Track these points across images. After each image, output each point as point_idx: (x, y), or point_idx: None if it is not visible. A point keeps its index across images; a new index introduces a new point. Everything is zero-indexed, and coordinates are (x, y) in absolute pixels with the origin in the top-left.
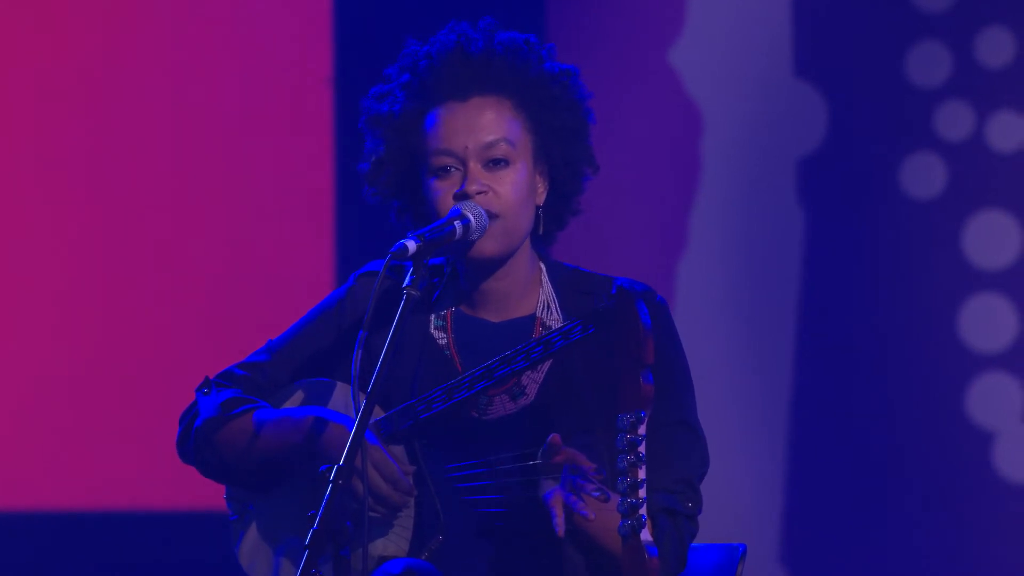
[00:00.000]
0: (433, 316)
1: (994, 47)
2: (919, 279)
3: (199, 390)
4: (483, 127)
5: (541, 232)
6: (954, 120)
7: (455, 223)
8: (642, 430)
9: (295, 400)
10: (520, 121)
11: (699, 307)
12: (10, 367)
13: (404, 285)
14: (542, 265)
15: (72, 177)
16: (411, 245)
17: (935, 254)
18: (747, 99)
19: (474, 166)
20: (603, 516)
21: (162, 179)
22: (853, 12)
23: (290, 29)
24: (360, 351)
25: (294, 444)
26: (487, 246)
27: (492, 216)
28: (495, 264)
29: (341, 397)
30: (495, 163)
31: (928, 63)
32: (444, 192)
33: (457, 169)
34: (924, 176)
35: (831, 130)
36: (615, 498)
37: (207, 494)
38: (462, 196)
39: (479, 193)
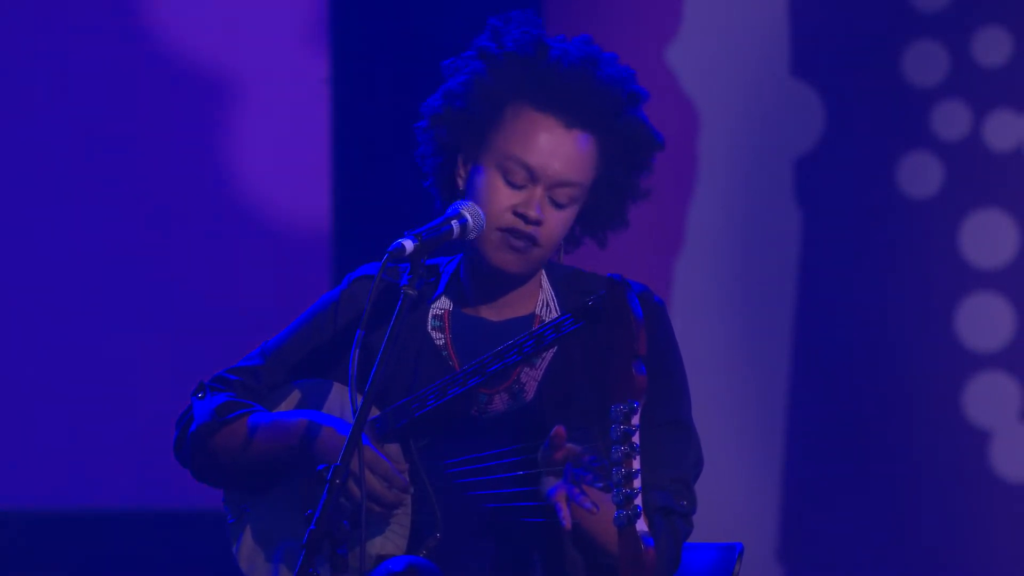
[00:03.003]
0: (430, 315)
1: (991, 46)
2: (916, 278)
3: (194, 395)
4: (571, 165)
5: (559, 259)
6: (951, 119)
7: (452, 223)
8: (635, 420)
9: (291, 401)
10: (595, 166)
11: (696, 306)
12: (10, 367)
13: (401, 284)
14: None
15: (71, 177)
16: (408, 245)
17: (932, 253)
18: (744, 98)
19: (541, 192)
20: (602, 508)
21: (160, 180)
22: (850, 11)
23: (288, 29)
24: (357, 351)
25: (287, 448)
26: (516, 266)
27: (535, 245)
28: (518, 281)
29: (337, 398)
30: (559, 203)
31: (925, 62)
32: (505, 197)
33: (524, 186)
34: (921, 175)
35: (828, 129)
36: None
37: (206, 493)
38: (521, 216)
39: (535, 223)
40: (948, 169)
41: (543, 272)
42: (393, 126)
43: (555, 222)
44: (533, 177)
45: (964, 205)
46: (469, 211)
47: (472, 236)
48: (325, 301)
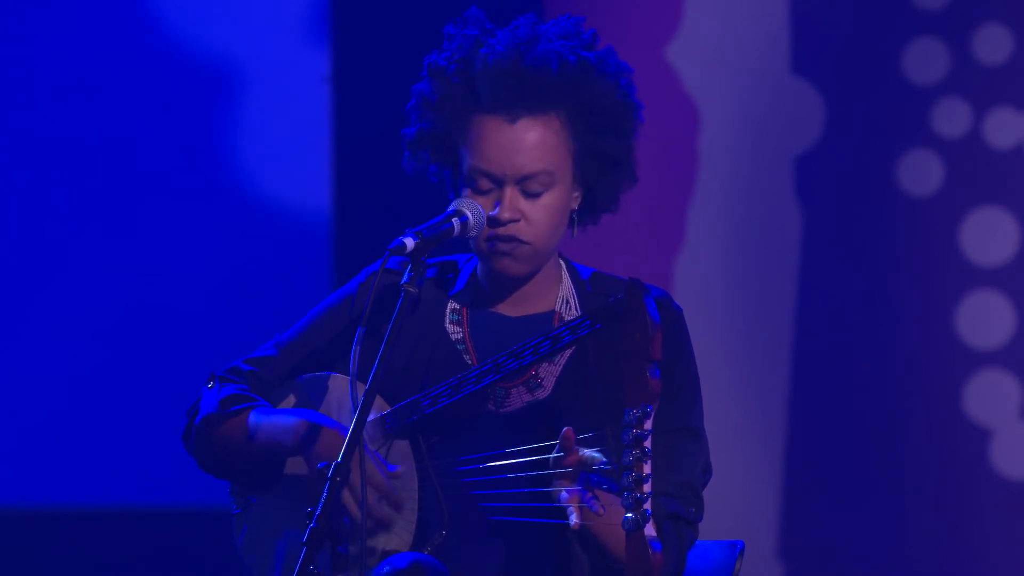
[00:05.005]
0: (448, 309)
1: (992, 44)
2: (917, 276)
3: (205, 384)
4: (526, 156)
5: (574, 235)
6: (951, 117)
7: (453, 220)
8: (648, 425)
9: (298, 394)
10: (565, 143)
11: (696, 304)
12: (10, 366)
13: (402, 282)
14: (563, 263)
15: (72, 172)
16: (409, 242)
17: (933, 251)
18: (744, 96)
19: (511, 191)
20: (610, 511)
21: (161, 175)
22: (850, 8)
23: (289, 25)
24: (358, 348)
25: (286, 447)
26: (514, 267)
27: (522, 243)
28: (520, 282)
29: (335, 395)
30: (533, 192)
31: (925, 60)
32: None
33: (494, 188)
34: (921, 173)
35: (828, 127)
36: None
37: (206, 492)
38: (495, 221)
39: (512, 221)
40: (948, 167)
41: (563, 268)
42: (394, 123)
43: (537, 213)
44: (495, 180)
45: (964, 203)
46: (469, 208)
47: (473, 234)
48: (340, 294)
